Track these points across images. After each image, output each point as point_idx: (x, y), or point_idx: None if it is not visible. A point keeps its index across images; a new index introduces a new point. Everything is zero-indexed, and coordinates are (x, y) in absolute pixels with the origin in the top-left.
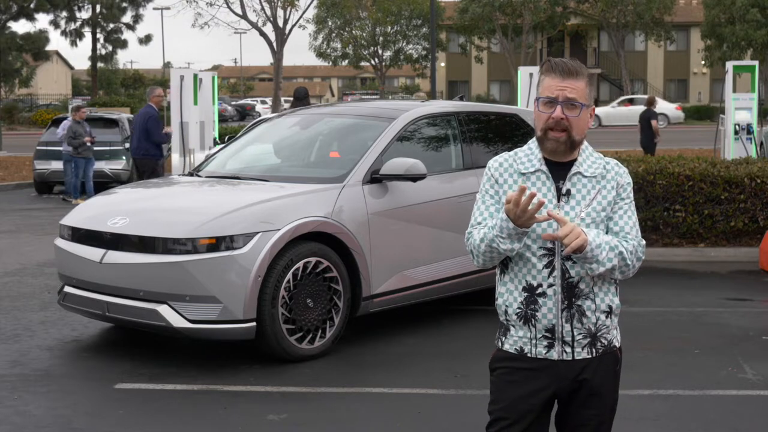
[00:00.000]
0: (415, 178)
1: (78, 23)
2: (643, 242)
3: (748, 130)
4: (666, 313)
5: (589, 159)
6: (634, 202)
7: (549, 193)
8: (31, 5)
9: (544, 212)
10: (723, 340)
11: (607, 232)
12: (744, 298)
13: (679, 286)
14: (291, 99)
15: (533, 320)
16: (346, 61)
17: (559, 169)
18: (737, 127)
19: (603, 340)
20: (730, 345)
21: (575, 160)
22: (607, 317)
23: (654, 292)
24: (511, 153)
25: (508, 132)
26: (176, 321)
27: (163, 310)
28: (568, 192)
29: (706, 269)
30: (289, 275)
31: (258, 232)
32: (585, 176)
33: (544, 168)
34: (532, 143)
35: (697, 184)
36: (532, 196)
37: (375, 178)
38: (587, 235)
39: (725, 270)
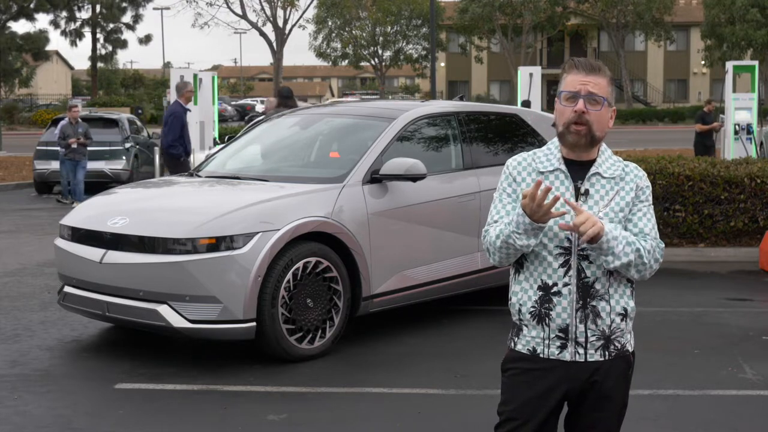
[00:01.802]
0: (415, 178)
1: (78, 23)
2: (662, 244)
3: (748, 130)
4: (666, 313)
5: (608, 161)
6: (652, 206)
7: (567, 193)
8: (31, 5)
9: (560, 207)
10: (723, 340)
11: None
12: (744, 298)
13: (679, 286)
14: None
15: (547, 319)
16: (346, 61)
17: (577, 169)
18: (737, 127)
19: (616, 344)
20: (730, 345)
21: (594, 160)
22: (621, 320)
23: (654, 292)
24: (530, 153)
25: (508, 132)
26: (176, 321)
27: (163, 310)
28: (587, 192)
29: (706, 269)
30: (289, 275)
31: (258, 232)
32: (604, 177)
33: (563, 167)
34: (551, 144)
35: (697, 184)
36: (548, 190)
37: (375, 178)
38: (604, 225)
39: (725, 270)
